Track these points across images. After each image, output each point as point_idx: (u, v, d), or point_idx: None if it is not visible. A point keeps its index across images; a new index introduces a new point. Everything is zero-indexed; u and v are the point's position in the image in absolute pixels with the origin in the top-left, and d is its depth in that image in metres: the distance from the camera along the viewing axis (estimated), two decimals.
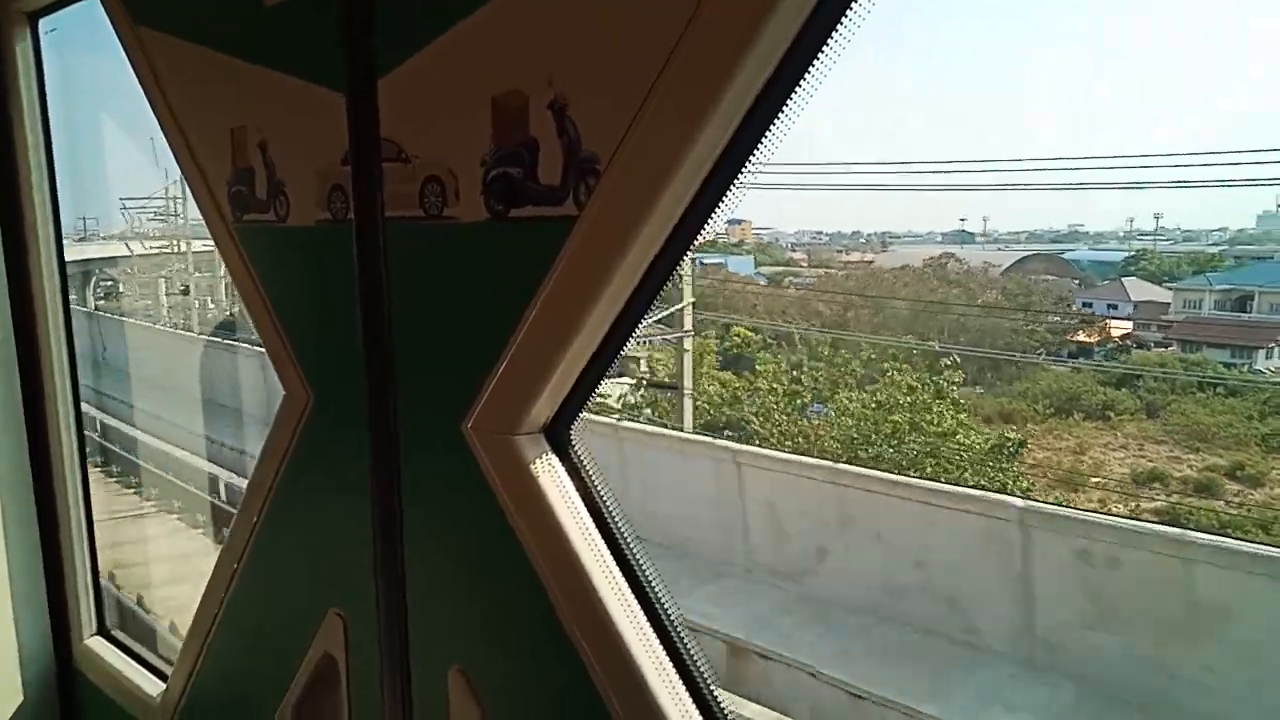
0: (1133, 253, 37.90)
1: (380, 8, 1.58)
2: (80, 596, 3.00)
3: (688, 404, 22.24)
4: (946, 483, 16.55)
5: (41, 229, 2.79)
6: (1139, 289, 33.84)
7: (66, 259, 2.93)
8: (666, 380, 25.85)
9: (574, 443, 1.53)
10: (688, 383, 22.47)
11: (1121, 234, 41.51)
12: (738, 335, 33.14)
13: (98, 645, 2.98)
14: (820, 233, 50.08)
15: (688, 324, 21.92)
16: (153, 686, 2.69)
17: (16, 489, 2.92)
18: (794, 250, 47.29)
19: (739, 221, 42.07)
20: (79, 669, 3.01)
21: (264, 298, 1.93)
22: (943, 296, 34.17)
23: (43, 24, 2.73)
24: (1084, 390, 28.62)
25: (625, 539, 1.49)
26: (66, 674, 3.05)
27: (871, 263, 42.42)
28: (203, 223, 2.05)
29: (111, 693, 2.84)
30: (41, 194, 2.78)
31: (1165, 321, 32.07)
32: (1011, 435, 23.62)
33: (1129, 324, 32.43)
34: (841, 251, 46.24)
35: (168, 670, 2.70)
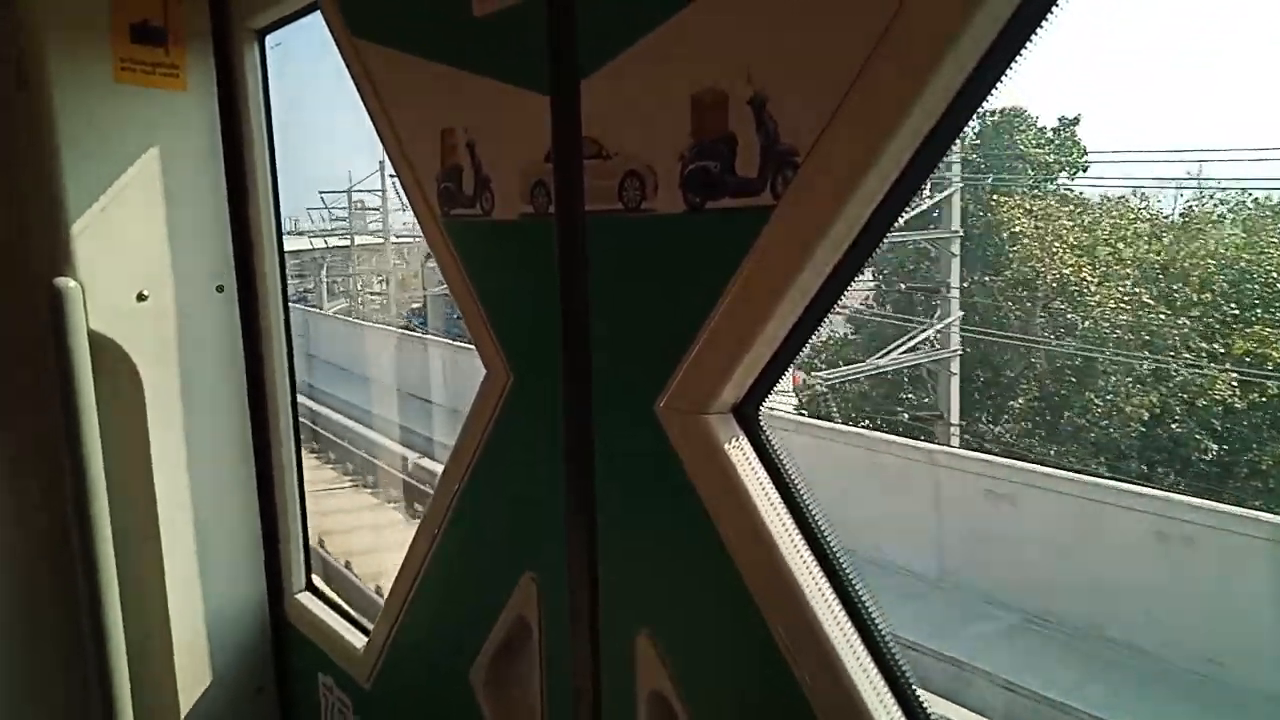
0: None
1: (583, 15, 1.69)
2: (292, 556, 3.34)
3: None
4: None
5: (266, 227, 3.09)
6: None
7: None
8: None
9: (762, 422, 1.60)
10: None
11: None
12: None
13: (307, 600, 3.29)
14: None
15: None
16: (356, 639, 2.95)
17: (240, 461, 3.27)
18: None
19: None
20: (290, 620, 3.33)
21: (469, 285, 2.10)
22: None
23: (269, 39, 3.04)
24: None
25: (812, 516, 1.54)
26: (279, 624, 3.38)
27: None
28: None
29: (319, 642, 3.14)
30: (266, 197, 3.08)
31: None
32: None
33: None
34: None
35: (368, 624, 2.97)
